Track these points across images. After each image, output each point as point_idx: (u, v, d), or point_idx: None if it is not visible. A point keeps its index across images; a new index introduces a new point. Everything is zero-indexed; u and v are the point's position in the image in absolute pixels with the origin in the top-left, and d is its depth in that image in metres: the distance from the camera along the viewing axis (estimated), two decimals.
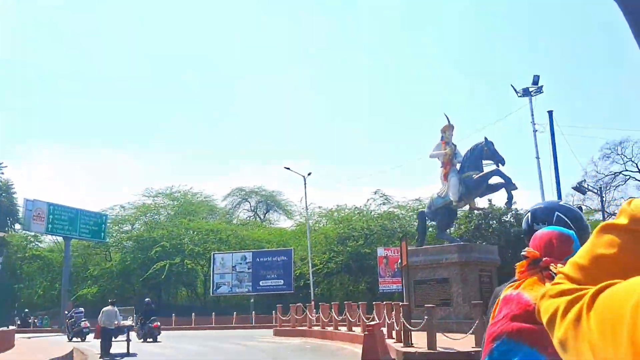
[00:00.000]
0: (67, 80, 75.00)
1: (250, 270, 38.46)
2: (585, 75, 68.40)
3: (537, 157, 24.40)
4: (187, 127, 76.49)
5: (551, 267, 1.54)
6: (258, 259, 38.60)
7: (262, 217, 57.55)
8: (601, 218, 43.63)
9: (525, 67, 68.78)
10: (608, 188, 41.56)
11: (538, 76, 24.68)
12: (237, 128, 78.86)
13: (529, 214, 1.98)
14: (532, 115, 24.99)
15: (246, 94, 77.79)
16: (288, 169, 37.37)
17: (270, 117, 79.42)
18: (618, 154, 40.48)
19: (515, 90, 25.38)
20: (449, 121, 16.87)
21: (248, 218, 57.07)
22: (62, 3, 73.15)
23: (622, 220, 0.78)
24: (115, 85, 74.68)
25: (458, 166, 16.56)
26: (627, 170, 40.61)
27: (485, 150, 16.12)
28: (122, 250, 41.73)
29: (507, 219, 39.75)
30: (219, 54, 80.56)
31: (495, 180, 16.05)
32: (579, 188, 26.38)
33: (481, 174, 15.95)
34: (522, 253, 1.63)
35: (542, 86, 25.18)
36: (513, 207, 39.15)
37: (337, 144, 77.79)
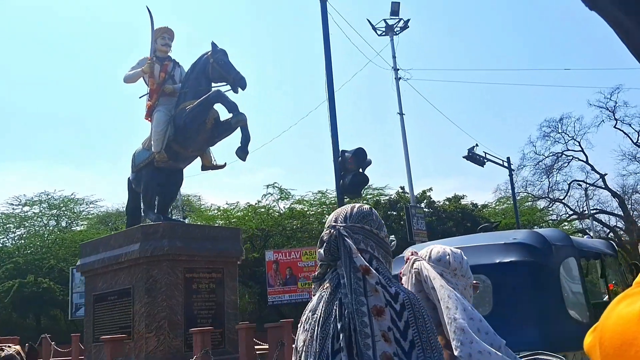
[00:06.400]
0: None
1: None
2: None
3: (401, 114, 17.82)
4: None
5: None
6: None
7: None
8: (545, 204, 37.30)
9: None
10: (551, 171, 35.38)
11: (398, 3, 18.13)
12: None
13: None
14: (394, 58, 18.45)
15: None
16: None
17: None
18: (559, 133, 34.40)
19: (373, 27, 18.83)
20: (152, 21, 10.20)
21: None
22: None
23: None
24: None
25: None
26: (569, 149, 34.46)
27: (212, 64, 9.51)
28: None
29: (440, 204, 33.07)
30: None
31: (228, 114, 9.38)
32: (472, 157, 19.76)
33: (196, 102, 9.30)
34: None
35: (408, 20, 18.69)
36: (426, 193, 32.63)
37: None
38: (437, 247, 1.94)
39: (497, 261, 3.80)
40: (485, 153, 20.68)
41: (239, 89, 9.47)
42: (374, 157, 10.04)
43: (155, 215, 9.67)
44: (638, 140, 32.19)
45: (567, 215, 35.13)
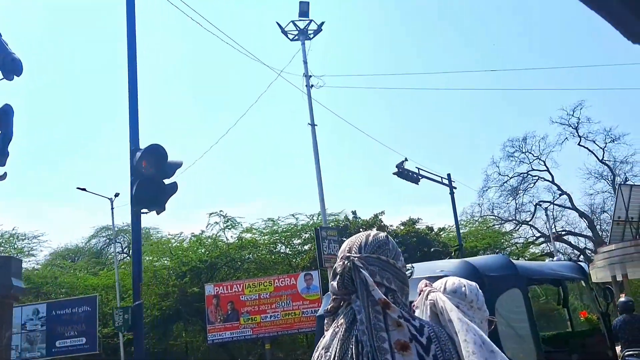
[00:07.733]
0: None
1: (44, 328, 29.04)
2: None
3: (312, 125, 15.84)
4: None
5: None
6: (54, 312, 29.24)
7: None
8: (513, 227, 35.17)
9: None
10: (517, 192, 33.48)
11: (307, 3, 16.33)
12: None
13: None
14: (306, 64, 16.55)
15: None
16: (83, 189, 28.43)
17: None
18: (523, 152, 32.74)
19: (283, 30, 17.00)
20: None
21: (122, 259, 48.46)
22: None
23: None
24: None
25: None
26: (534, 169, 32.70)
27: None
28: None
29: (394, 228, 30.50)
30: None
31: None
32: (403, 173, 17.70)
33: None
34: None
35: (322, 23, 16.90)
36: (378, 217, 30.38)
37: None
38: (452, 279, 1.86)
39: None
40: (419, 169, 18.61)
41: (13, 76, 7.39)
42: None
43: None
44: (603, 157, 30.41)
45: (535, 237, 33.08)
